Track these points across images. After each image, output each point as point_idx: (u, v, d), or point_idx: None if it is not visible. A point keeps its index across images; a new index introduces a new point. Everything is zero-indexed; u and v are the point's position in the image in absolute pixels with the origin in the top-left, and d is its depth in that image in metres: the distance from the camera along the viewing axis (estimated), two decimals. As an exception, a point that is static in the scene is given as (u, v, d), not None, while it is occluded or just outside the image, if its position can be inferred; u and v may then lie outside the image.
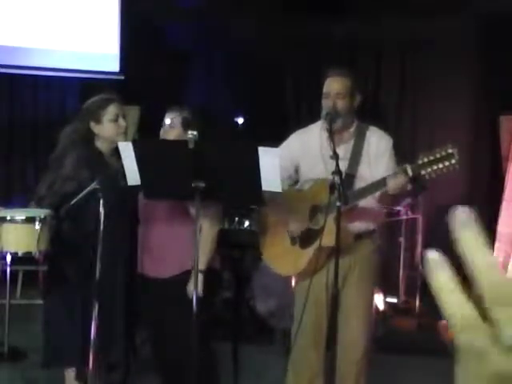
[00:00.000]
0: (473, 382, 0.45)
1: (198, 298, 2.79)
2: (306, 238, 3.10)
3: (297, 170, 3.25)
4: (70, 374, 3.26)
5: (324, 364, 3.15)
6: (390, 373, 4.04)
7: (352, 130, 3.15)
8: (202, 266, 2.98)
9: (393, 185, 2.79)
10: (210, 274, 3.12)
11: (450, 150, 2.74)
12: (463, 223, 0.47)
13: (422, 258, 0.54)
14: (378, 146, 3.12)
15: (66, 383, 3.30)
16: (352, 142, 3.13)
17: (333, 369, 2.87)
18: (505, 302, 0.44)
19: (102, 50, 6.21)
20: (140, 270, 3.25)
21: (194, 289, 2.81)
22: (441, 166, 2.73)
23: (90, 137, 3.17)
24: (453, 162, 2.73)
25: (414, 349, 4.75)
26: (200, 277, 2.94)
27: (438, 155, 2.73)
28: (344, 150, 3.07)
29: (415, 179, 2.78)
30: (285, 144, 3.27)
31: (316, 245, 3.01)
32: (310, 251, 3.06)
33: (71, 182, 3.06)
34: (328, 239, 2.85)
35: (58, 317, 3.19)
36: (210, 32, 6.48)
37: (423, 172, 2.74)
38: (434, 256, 0.48)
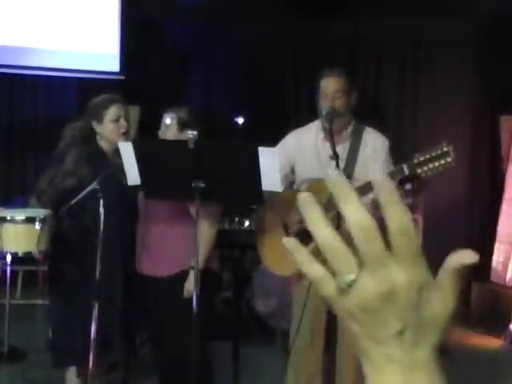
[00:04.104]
0: (342, 318, 0.56)
1: (197, 298, 2.80)
2: (302, 238, 3.09)
3: (293, 170, 3.26)
4: (71, 374, 3.27)
5: (323, 363, 3.15)
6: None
7: (349, 130, 3.17)
8: (199, 265, 2.98)
9: None
10: (208, 274, 3.12)
11: (445, 148, 2.74)
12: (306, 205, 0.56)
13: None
14: (374, 146, 3.14)
15: (66, 383, 3.31)
16: (349, 143, 3.15)
17: (332, 368, 2.88)
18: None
19: (102, 50, 6.20)
20: (138, 269, 3.25)
21: (194, 288, 2.81)
22: (437, 164, 2.73)
23: (91, 135, 3.19)
24: (448, 159, 2.73)
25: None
26: (192, 275, 2.94)
27: (433, 153, 2.73)
28: (341, 150, 3.07)
29: (414, 178, 2.79)
30: (281, 144, 3.28)
31: (313, 245, 3.01)
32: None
33: (71, 178, 3.08)
34: None
35: (61, 316, 3.20)
36: (210, 32, 6.48)
37: (419, 170, 2.74)
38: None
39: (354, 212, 0.54)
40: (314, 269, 0.56)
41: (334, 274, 0.55)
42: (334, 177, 0.55)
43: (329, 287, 0.55)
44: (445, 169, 2.74)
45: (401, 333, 0.54)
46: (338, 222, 2.82)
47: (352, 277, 0.54)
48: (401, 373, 0.55)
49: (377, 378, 0.56)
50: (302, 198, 0.56)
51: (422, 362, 0.55)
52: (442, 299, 0.54)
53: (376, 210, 0.55)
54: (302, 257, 0.58)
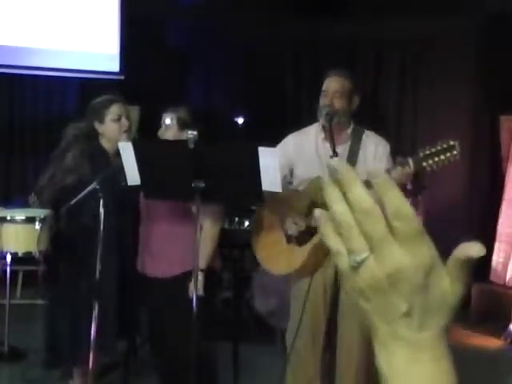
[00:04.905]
0: (352, 295, 0.58)
1: (198, 298, 2.80)
2: (303, 236, 3.10)
3: (291, 172, 3.26)
4: (75, 375, 3.27)
5: (322, 364, 3.15)
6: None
7: (348, 131, 3.17)
8: (202, 265, 2.98)
9: (395, 177, 2.80)
10: (210, 273, 3.12)
11: (451, 142, 2.77)
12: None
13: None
14: (375, 151, 3.14)
15: (70, 382, 3.32)
16: (349, 144, 3.15)
17: (332, 369, 2.88)
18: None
19: (102, 50, 6.20)
20: (141, 270, 3.25)
21: (194, 288, 2.81)
22: (442, 157, 2.76)
23: (93, 135, 3.21)
24: (454, 153, 2.76)
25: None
26: (200, 276, 2.94)
27: (439, 147, 2.77)
28: (341, 151, 3.07)
29: (416, 176, 2.80)
30: (280, 145, 3.28)
31: (313, 242, 3.01)
32: (307, 248, 3.06)
33: (71, 175, 3.09)
34: None
35: (57, 316, 3.20)
36: (210, 32, 6.47)
37: (424, 164, 2.77)
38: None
39: (358, 196, 0.55)
40: (335, 242, 0.57)
41: (349, 251, 0.57)
42: (336, 163, 0.56)
43: (344, 262, 0.57)
44: (450, 162, 2.77)
45: (407, 314, 0.55)
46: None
47: (363, 256, 0.55)
48: (406, 351, 0.56)
49: (383, 355, 0.58)
50: (325, 179, 0.58)
51: (429, 343, 0.56)
52: (450, 284, 0.55)
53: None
54: (327, 229, 0.58)
